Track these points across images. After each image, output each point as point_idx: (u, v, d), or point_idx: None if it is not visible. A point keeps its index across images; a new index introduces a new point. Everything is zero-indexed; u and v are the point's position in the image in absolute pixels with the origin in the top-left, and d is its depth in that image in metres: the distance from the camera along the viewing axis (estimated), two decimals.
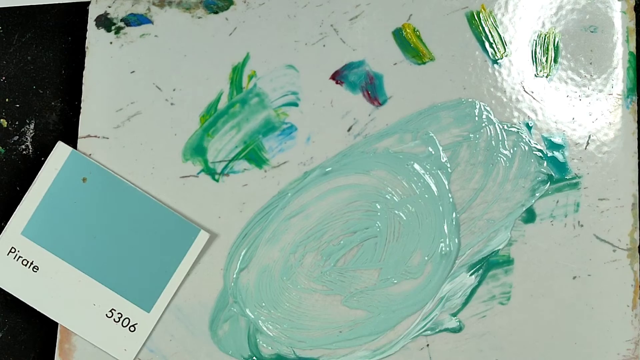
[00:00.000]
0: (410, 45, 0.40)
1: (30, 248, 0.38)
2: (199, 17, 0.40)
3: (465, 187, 0.39)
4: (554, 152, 0.39)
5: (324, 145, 0.40)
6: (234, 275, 0.39)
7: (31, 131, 0.41)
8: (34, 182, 0.38)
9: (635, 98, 0.40)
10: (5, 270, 0.38)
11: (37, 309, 0.39)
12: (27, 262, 0.38)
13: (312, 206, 0.39)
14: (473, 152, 0.40)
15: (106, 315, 0.38)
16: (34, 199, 0.38)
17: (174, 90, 0.40)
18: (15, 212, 0.39)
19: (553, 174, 0.39)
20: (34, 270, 0.38)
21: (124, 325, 0.38)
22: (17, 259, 0.38)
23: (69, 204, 0.38)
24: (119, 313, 0.38)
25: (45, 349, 0.40)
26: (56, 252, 0.38)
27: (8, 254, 0.38)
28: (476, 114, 0.40)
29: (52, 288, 0.39)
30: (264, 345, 0.39)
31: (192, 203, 0.39)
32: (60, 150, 0.38)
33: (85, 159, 0.39)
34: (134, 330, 0.38)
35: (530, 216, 0.39)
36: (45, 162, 0.39)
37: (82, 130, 0.39)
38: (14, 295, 0.39)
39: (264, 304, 0.39)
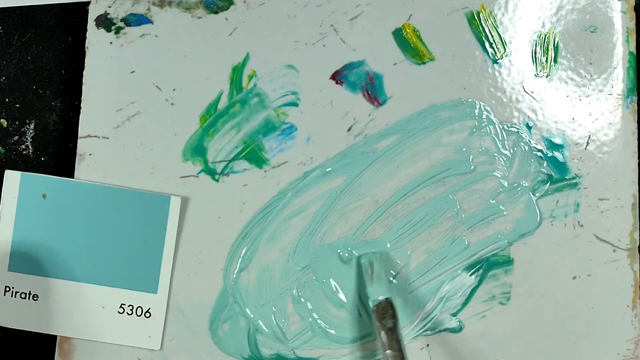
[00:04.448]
0: (410, 45, 0.40)
1: (22, 281, 0.38)
2: (199, 17, 0.40)
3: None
4: (554, 152, 0.39)
5: (324, 145, 0.40)
6: (234, 275, 0.39)
7: (31, 131, 0.41)
8: None
9: (635, 98, 0.40)
10: (7, 311, 0.38)
11: (53, 333, 0.38)
12: (25, 294, 0.38)
13: (312, 206, 0.39)
14: None
15: (118, 312, 0.38)
16: (6, 233, 0.38)
17: (174, 90, 0.40)
18: None
19: (553, 174, 0.39)
20: (34, 299, 0.38)
21: (138, 314, 0.38)
22: (15, 296, 0.38)
23: (40, 224, 0.38)
24: (129, 305, 0.38)
25: (45, 349, 0.40)
26: (48, 274, 0.38)
27: (5, 294, 0.38)
28: (476, 114, 0.40)
29: (58, 309, 0.38)
30: (264, 345, 0.39)
31: (192, 203, 0.39)
32: (11, 178, 0.38)
33: (36, 176, 0.38)
34: (150, 315, 0.38)
35: None
36: (1, 194, 0.38)
37: (82, 130, 0.39)
38: (26, 329, 0.38)
39: (264, 304, 0.39)
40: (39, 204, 0.38)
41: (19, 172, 0.38)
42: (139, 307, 0.38)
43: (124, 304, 0.38)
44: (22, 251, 0.38)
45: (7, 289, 0.38)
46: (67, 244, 0.38)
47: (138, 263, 0.38)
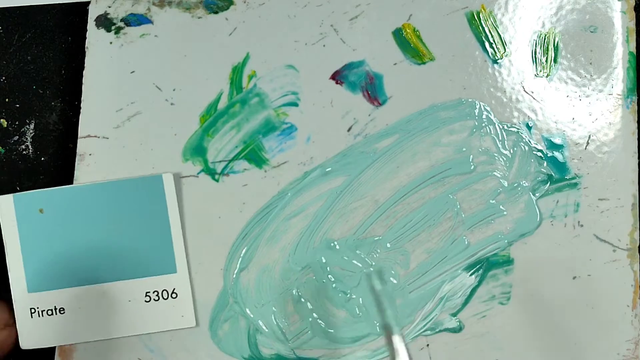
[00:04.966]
0: (410, 45, 0.40)
1: (45, 298, 0.38)
2: (199, 17, 0.40)
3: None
4: (554, 152, 0.39)
5: (324, 145, 0.40)
6: (234, 275, 0.39)
7: (31, 131, 0.41)
8: (4, 243, 0.38)
9: (635, 98, 0.40)
10: (38, 332, 0.38)
11: (89, 340, 0.38)
12: (51, 310, 0.38)
13: (312, 206, 0.39)
14: None
15: (145, 301, 0.38)
16: (16, 257, 0.38)
17: (174, 90, 0.40)
18: (10, 280, 0.38)
19: (553, 174, 0.39)
20: (61, 312, 0.38)
21: (165, 297, 0.38)
22: (42, 315, 0.38)
23: (46, 240, 0.38)
24: (154, 291, 0.38)
25: (45, 348, 0.40)
26: (67, 284, 0.38)
27: (32, 317, 0.38)
28: (476, 114, 0.40)
29: (86, 316, 0.38)
30: (264, 345, 0.39)
31: (192, 203, 0.39)
32: (4, 203, 0.38)
33: (28, 193, 0.38)
34: (176, 295, 0.38)
35: None
36: (0, 221, 0.38)
37: (82, 130, 0.40)
38: (60, 344, 0.38)
39: (264, 304, 0.39)
40: (39, 220, 0.38)
41: (11, 195, 0.38)
42: (164, 290, 0.38)
43: (149, 292, 0.38)
44: (36, 270, 0.38)
45: (33, 310, 0.38)
46: (77, 250, 0.38)
47: (150, 248, 0.38)
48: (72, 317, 0.38)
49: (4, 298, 0.38)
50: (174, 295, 0.38)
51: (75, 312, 0.38)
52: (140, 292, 0.38)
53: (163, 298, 0.38)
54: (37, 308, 0.38)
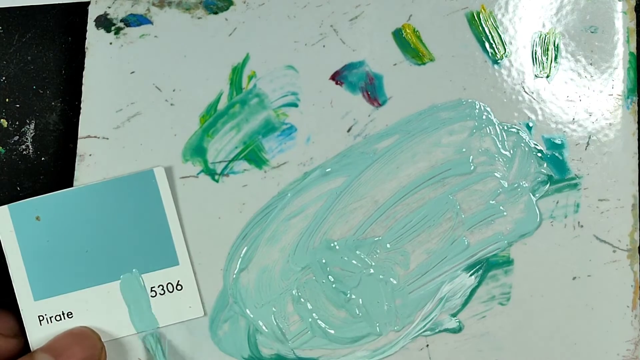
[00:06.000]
0: (410, 45, 0.40)
1: (52, 305, 0.38)
2: (199, 18, 0.40)
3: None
4: (554, 152, 0.39)
5: (324, 145, 0.40)
6: (234, 276, 0.39)
7: (31, 131, 0.41)
8: (5, 254, 0.38)
9: (635, 99, 0.40)
10: (48, 339, 0.38)
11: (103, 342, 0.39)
12: (60, 316, 0.38)
13: (312, 206, 0.39)
14: None
15: (151, 297, 0.38)
16: (18, 268, 0.38)
17: (174, 90, 0.40)
18: (15, 290, 0.38)
19: (553, 174, 0.39)
20: (70, 316, 0.38)
21: (170, 290, 0.38)
22: (51, 321, 0.38)
23: (46, 246, 0.38)
24: (159, 286, 0.38)
25: None
26: (72, 288, 0.38)
27: (41, 324, 0.38)
28: (476, 114, 0.40)
29: (95, 318, 0.38)
30: (264, 345, 0.39)
31: (192, 203, 0.39)
32: (1, 214, 0.38)
33: (23, 202, 0.38)
34: (182, 287, 0.38)
35: None
36: None
37: (82, 131, 0.40)
38: None
39: (263, 304, 0.39)
40: (37, 227, 0.38)
41: (6, 207, 0.38)
42: (169, 283, 0.38)
43: (154, 287, 0.38)
44: (40, 278, 0.38)
45: (41, 317, 0.38)
46: (78, 253, 0.38)
47: (151, 243, 0.38)
48: (81, 320, 0.38)
49: (8, 309, 0.39)
50: (179, 288, 0.38)
51: (84, 315, 0.38)
52: (146, 288, 0.39)
53: (168, 291, 0.38)
54: (45, 315, 0.38)
